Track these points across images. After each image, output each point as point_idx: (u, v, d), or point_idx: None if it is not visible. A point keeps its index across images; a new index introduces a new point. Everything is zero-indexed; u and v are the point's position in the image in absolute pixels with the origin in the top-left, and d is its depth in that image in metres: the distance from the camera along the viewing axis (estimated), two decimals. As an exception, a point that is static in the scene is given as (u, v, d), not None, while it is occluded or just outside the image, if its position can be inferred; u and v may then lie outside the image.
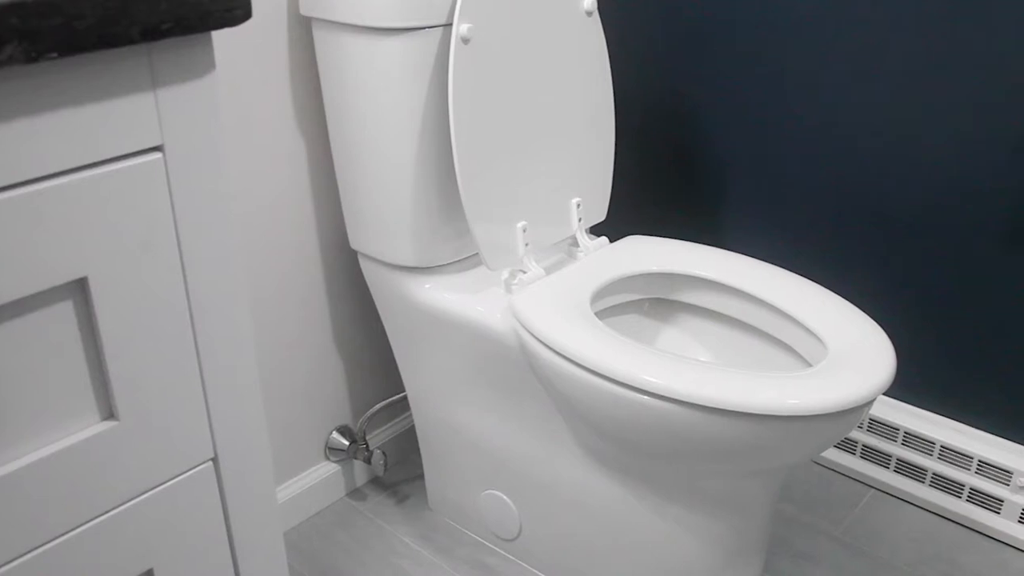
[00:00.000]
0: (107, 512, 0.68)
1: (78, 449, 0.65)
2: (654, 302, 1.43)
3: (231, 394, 0.73)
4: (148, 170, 0.63)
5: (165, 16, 0.58)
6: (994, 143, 1.37)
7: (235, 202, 1.33)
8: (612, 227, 1.84)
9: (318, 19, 1.26)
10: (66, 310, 0.62)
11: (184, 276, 0.67)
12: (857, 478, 1.66)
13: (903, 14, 1.39)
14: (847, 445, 1.66)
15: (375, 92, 1.24)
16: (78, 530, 0.66)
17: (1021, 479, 1.47)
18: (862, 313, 1.23)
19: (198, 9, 0.60)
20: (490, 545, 1.51)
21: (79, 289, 0.62)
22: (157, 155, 0.63)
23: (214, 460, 0.74)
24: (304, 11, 1.28)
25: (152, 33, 0.58)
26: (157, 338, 0.66)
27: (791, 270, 1.35)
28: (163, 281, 0.66)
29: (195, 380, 0.70)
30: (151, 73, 0.61)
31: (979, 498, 1.53)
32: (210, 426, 0.72)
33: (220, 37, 1.25)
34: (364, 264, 1.42)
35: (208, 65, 0.64)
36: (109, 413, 0.66)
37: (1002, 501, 1.50)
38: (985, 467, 1.51)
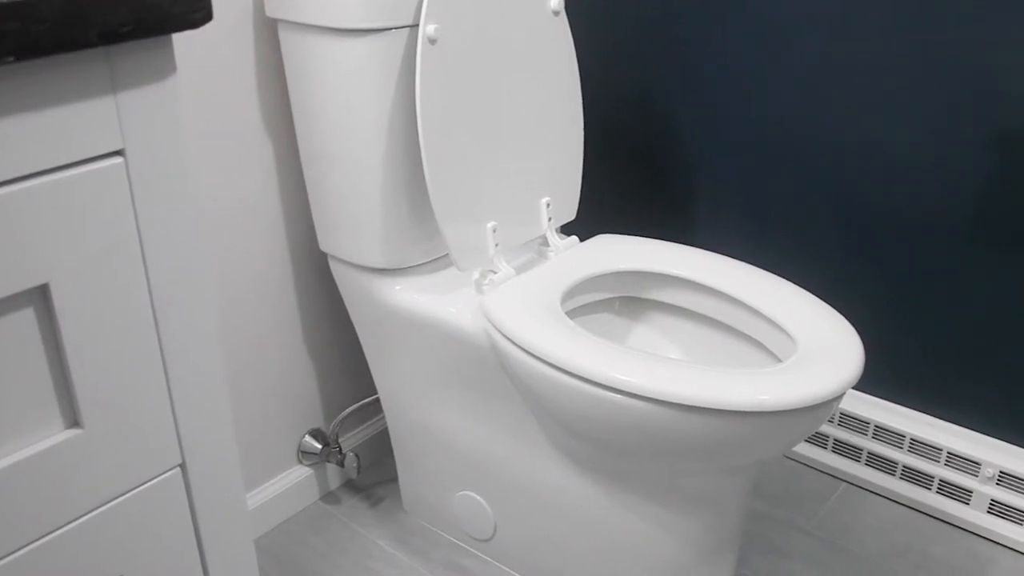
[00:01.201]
0: (74, 520, 0.67)
1: (42, 458, 0.64)
2: (625, 300, 1.44)
3: (198, 399, 0.72)
4: (109, 175, 0.62)
5: (124, 19, 0.58)
6: (962, 140, 1.39)
7: (202, 206, 1.32)
8: (582, 226, 1.84)
9: (284, 21, 1.26)
10: (27, 317, 0.61)
11: (148, 281, 0.66)
12: (829, 472, 1.67)
13: (872, 13, 1.40)
14: (819, 439, 1.67)
15: (342, 94, 1.23)
16: (45, 539, 0.66)
17: (989, 470, 1.49)
18: (831, 308, 1.24)
19: (158, 12, 0.60)
20: (465, 546, 1.51)
21: (40, 296, 0.61)
22: (118, 159, 0.63)
23: (182, 466, 0.74)
24: (270, 13, 1.27)
25: (111, 36, 0.57)
26: (121, 344, 0.66)
27: (761, 267, 1.36)
28: (126, 287, 0.65)
29: (161, 386, 0.69)
30: (111, 76, 0.60)
31: (948, 489, 1.54)
32: (177, 432, 0.72)
33: (185, 40, 1.24)
34: (334, 266, 1.41)
35: (169, 68, 0.64)
36: (73, 421, 0.66)
37: (971, 492, 1.52)
38: (954, 459, 1.52)
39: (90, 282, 0.63)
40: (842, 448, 1.64)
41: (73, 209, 0.61)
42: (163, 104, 0.64)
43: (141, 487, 0.71)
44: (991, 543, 1.51)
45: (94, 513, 0.68)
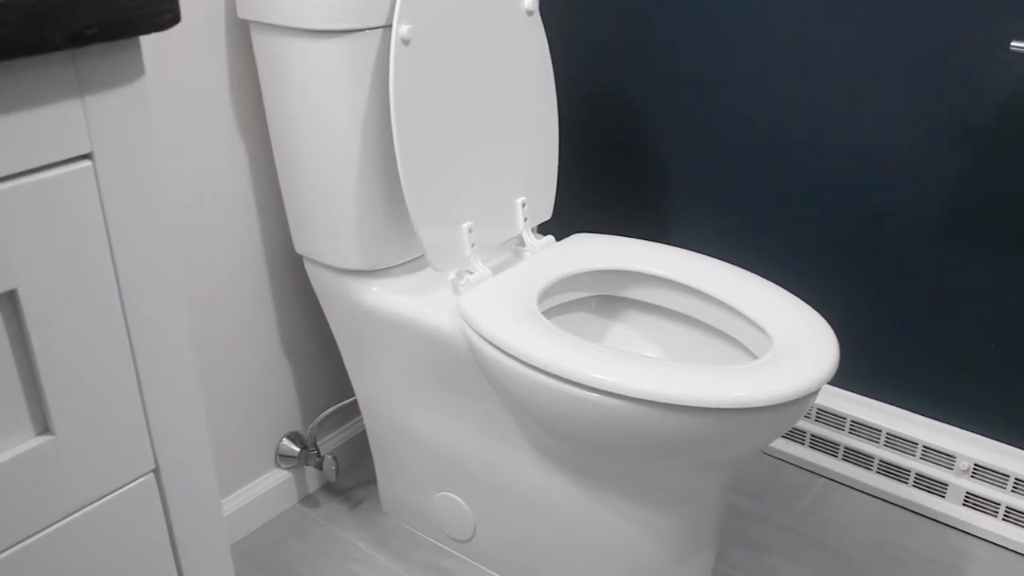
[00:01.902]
0: (46, 528, 0.67)
1: (13, 465, 0.63)
2: (601, 299, 1.44)
3: (171, 403, 0.72)
4: (77, 179, 0.62)
5: (90, 21, 0.57)
6: (934, 136, 1.40)
7: (175, 209, 1.31)
8: (558, 226, 1.84)
9: (256, 22, 1.25)
10: (-5, 323, 0.61)
11: (118, 285, 0.66)
12: (807, 467, 1.68)
13: (845, 9, 1.41)
14: (796, 435, 1.68)
15: (315, 95, 1.23)
16: (16, 547, 0.65)
17: (964, 463, 1.50)
18: (806, 305, 1.25)
19: (125, 14, 0.59)
20: (445, 547, 1.51)
21: (8, 302, 0.61)
22: (87, 163, 0.62)
23: (155, 471, 0.73)
24: (242, 14, 1.26)
25: (77, 39, 0.57)
26: (91, 349, 0.65)
27: (736, 264, 1.37)
28: (96, 291, 0.64)
29: (133, 390, 0.69)
30: (78, 80, 0.60)
31: (924, 483, 1.56)
32: (150, 437, 0.71)
33: (156, 42, 1.23)
34: (310, 268, 1.40)
35: (137, 71, 0.63)
36: (44, 427, 0.65)
37: (946, 485, 1.53)
38: (929, 452, 1.54)
39: (59, 287, 0.62)
40: (820, 444, 1.65)
41: (41, 214, 0.60)
42: (132, 107, 0.64)
43: (114, 493, 0.70)
44: (967, 535, 1.52)
45: (67, 520, 0.68)
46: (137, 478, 0.72)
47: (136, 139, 0.64)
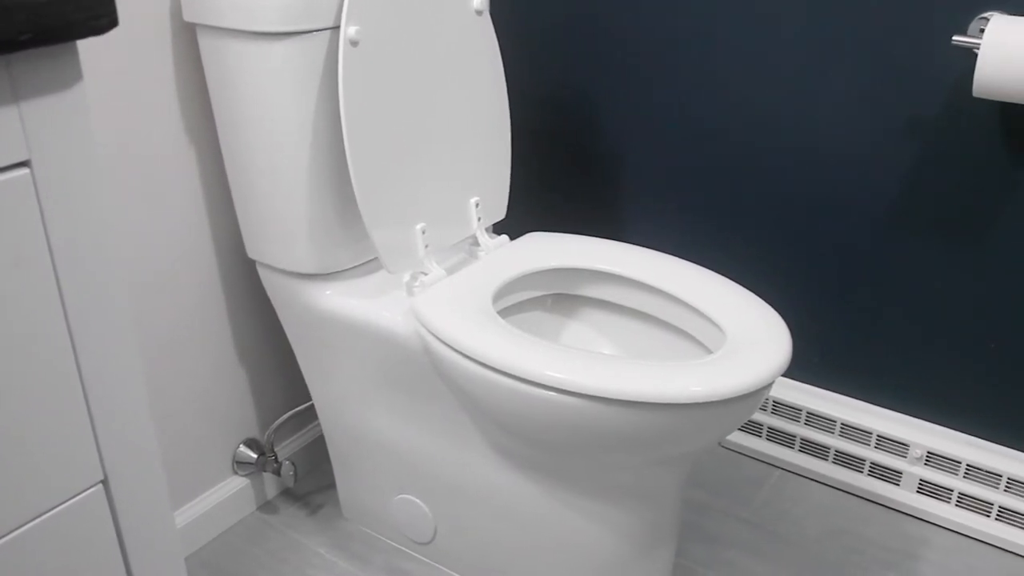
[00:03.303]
0: (-10, 544, 0.65)
1: (-46, 480, 0.62)
2: (557, 297, 1.44)
3: (118, 413, 0.71)
4: (15, 186, 0.60)
5: (23, 27, 0.56)
6: (880, 131, 1.42)
7: (124, 215, 1.29)
8: (513, 225, 1.84)
9: (202, 25, 1.24)
10: (-67, 336, 0.59)
11: (60, 293, 0.65)
12: (764, 459, 1.69)
13: (791, 5, 1.43)
14: (753, 428, 1.69)
15: (264, 98, 1.22)
16: (-41, 564, 0.64)
17: (917, 451, 1.52)
18: (759, 299, 1.26)
19: (60, 19, 0.58)
20: (406, 550, 1.50)
21: (-54, 313, 0.60)
22: (24, 171, 0.61)
23: (104, 482, 0.72)
24: (188, 17, 1.25)
25: (9, 45, 0.56)
26: (35, 360, 0.64)
27: (690, 260, 1.38)
28: (37, 299, 0.63)
29: (78, 401, 0.68)
30: (12, 86, 0.59)
31: (879, 472, 1.58)
32: (97, 447, 0.70)
33: (101, 46, 1.21)
34: (263, 273, 1.39)
35: (74, 76, 0.62)
36: (-13, 440, 0.64)
37: (900, 473, 1.55)
38: (883, 441, 1.56)
39: (0, 298, 0.61)
40: (776, 435, 1.67)
41: (-23, 223, 0.59)
42: (70, 113, 0.63)
43: (62, 506, 0.69)
44: (922, 522, 1.55)
45: (13, 535, 0.66)
46: (85, 490, 0.71)
47: (76, 145, 0.63)
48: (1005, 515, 1.48)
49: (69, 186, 0.64)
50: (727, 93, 1.53)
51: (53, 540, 0.69)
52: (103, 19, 0.60)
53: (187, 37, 1.30)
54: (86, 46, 1.19)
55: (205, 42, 1.25)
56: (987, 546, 1.50)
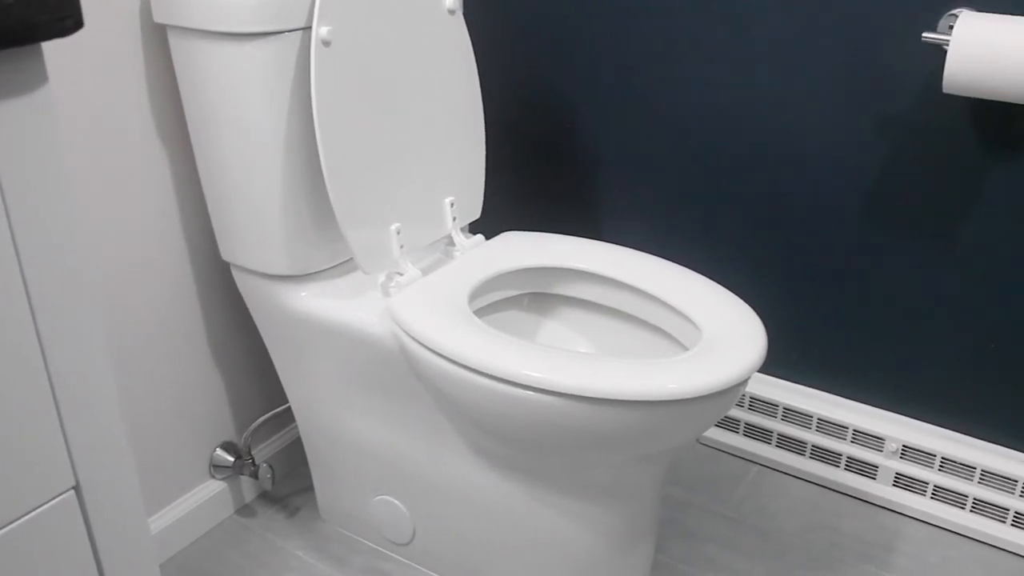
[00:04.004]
0: (-40, 552, 0.65)
1: (-78, 489, 0.61)
2: (533, 296, 1.44)
3: (89, 417, 0.70)
4: (-20, 191, 0.60)
5: (-14, 28, 0.56)
6: (852, 128, 1.42)
7: (95, 218, 1.28)
8: (488, 225, 1.84)
9: (173, 26, 1.23)
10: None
11: (28, 297, 0.64)
12: (741, 455, 1.70)
13: (764, 4, 1.43)
14: (730, 424, 1.70)
15: (236, 99, 1.21)
16: (-72, 574, 0.63)
17: (892, 444, 1.53)
18: (734, 296, 1.26)
19: (24, 21, 0.58)
20: (385, 551, 1.50)
21: (-89, 320, 0.59)
22: (-11, 174, 0.60)
23: (76, 488, 0.71)
24: (158, 18, 1.24)
25: (-28, 47, 0.55)
26: (1, 363, 0.63)
27: (665, 257, 1.38)
28: (4, 304, 0.62)
29: (48, 404, 0.67)
30: (-25, 89, 0.58)
31: (856, 466, 1.59)
32: (68, 452, 0.69)
33: (70, 49, 1.20)
34: (237, 275, 1.38)
35: (40, 78, 0.62)
36: (-46, 448, 0.63)
37: (876, 467, 1.56)
38: (859, 436, 1.57)
39: (-35, 303, 0.60)
40: (753, 431, 1.68)
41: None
42: (35, 115, 0.62)
43: (33, 512, 0.68)
44: (898, 515, 1.56)
45: (-17, 543, 0.66)
46: (57, 496, 0.70)
47: (42, 148, 0.63)
48: (980, 507, 1.49)
49: (35, 189, 0.63)
50: (701, 92, 1.54)
51: (24, 548, 0.68)
52: (68, 20, 0.60)
53: (157, 38, 1.29)
54: (53, 48, 1.17)
55: (176, 43, 1.24)
56: (962, 537, 1.51)
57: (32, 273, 0.64)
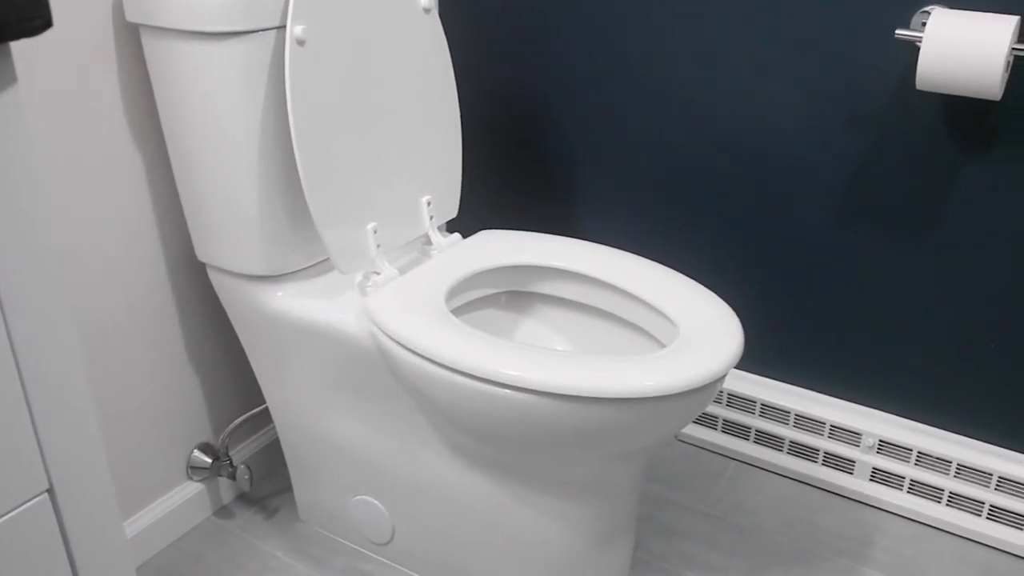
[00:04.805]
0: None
1: None
2: (510, 295, 1.44)
3: (62, 419, 0.69)
4: (-52, 192, 0.59)
5: (-48, 28, 0.55)
6: (827, 125, 1.43)
7: (70, 220, 1.27)
8: (465, 223, 1.84)
9: (145, 26, 1.22)
10: None
11: (-1, 301, 0.63)
12: (720, 452, 1.71)
13: (738, 2, 1.44)
14: (708, 421, 1.71)
15: (210, 99, 1.20)
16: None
17: (869, 440, 1.54)
18: (711, 293, 1.27)
19: (-9, 20, 0.57)
20: (365, 551, 1.49)
21: None
22: (-43, 176, 0.60)
23: (50, 491, 0.71)
24: (130, 17, 1.23)
25: (-62, 47, 0.55)
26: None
27: (642, 255, 1.38)
28: (-25, 308, 0.62)
29: (20, 407, 0.66)
30: (-58, 89, 0.58)
31: (833, 461, 1.60)
32: (42, 455, 0.69)
33: (39, 48, 1.19)
34: (213, 275, 1.38)
35: (8, 78, 0.61)
36: (-76, 452, 0.62)
37: (853, 462, 1.57)
38: (836, 431, 1.58)
39: (-67, 306, 0.60)
40: (731, 428, 1.69)
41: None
42: (3, 116, 0.61)
43: (6, 516, 0.68)
44: (875, 509, 1.57)
45: (-46, 548, 0.65)
46: (30, 499, 0.69)
47: (11, 149, 0.62)
48: (955, 500, 1.50)
49: (5, 191, 0.62)
50: (676, 90, 1.54)
51: (-3, 552, 0.68)
52: (36, 20, 0.59)
53: (130, 37, 1.28)
54: (22, 48, 1.16)
55: (149, 43, 1.23)
56: (938, 531, 1.52)
57: (3, 275, 0.63)
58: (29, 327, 0.66)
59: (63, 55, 1.21)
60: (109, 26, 1.25)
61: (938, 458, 1.50)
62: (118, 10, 1.25)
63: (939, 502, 1.52)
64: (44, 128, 1.22)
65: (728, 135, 1.52)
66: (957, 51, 1.20)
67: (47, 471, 0.70)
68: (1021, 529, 1.46)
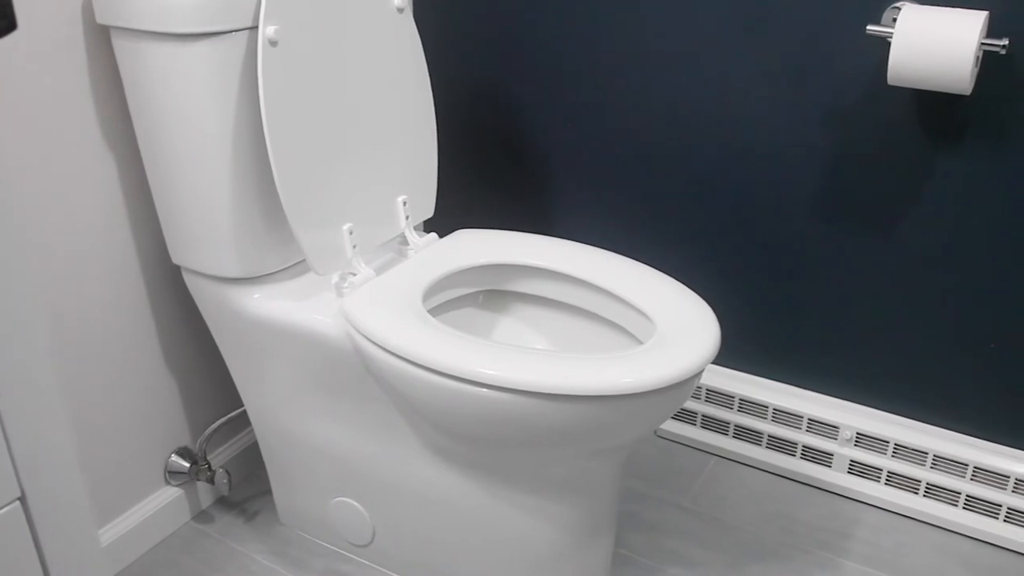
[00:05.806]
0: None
1: None
2: (488, 294, 1.44)
3: (34, 426, 0.69)
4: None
5: (-86, 32, 0.54)
6: (799, 121, 1.44)
7: (42, 224, 1.26)
8: (441, 223, 1.84)
9: (116, 27, 1.21)
10: None
11: (-34, 308, 0.63)
12: (699, 447, 1.71)
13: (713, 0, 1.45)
14: (687, 416, 1.71)
15: (182, 101, 1.20)
16: None
17: (847, 432, 1.55)
18: (687, 289, 1.27)
19: (-46, 23, 0.56)
20: (345, 553, 1.49)
21: None
22: (-78, 181, 0.59)
23: (21, 499, 0.70)
24: (100, 19, 1.22)
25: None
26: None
27: (619, 252, 1.38)
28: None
29: (-10, 417, 0.66)
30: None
31: (811, 454, 1.61)
32: (13, 463, 0.68)
33: (7, 50, 1.17)
34: (188, 278, 1.37)
35: (-27, 82, 0.60)
36: None
37: (831, 455, 1.58)
38: (814, 425, 1.59)
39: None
40: (710, 423, 1.69)
41: None
42: (-31, 120, 0.61)
43: (-23, 525, 0.67)
44: (853, 502, 1.58)
45: (-75, 558, 0.64)
46: (1, 508, 0.68)
47: (-23, 154, 0.61)
48: (932, 491, 1.52)
49: (-28, 196, 0.62)
50: (650, 88, 1.54)
51: (-31, 561, 0.67)
52: (0, 22, 0.58)
53: (101, 39, 1.27)
54: (-6, 51, 1.15)
55: (119, 44, 1.22)
56: (916, 522, 1.53)
57: (-30, 281, 0.63)
58: (-2, 333, 0.65)
59: (32, 57, 1.20)
60: (79, 28, 1.24)
61: (915, 450, 1.51)
62: (88, 11, 1.24)
63: (916, 493, 1.53)
64: (13, 131, 1.20)
65: (702, 132, 1.53)
66: (928, 46, 1.21)
67: (18, 478, 0.69)
68: (997, 518, 1.48)
